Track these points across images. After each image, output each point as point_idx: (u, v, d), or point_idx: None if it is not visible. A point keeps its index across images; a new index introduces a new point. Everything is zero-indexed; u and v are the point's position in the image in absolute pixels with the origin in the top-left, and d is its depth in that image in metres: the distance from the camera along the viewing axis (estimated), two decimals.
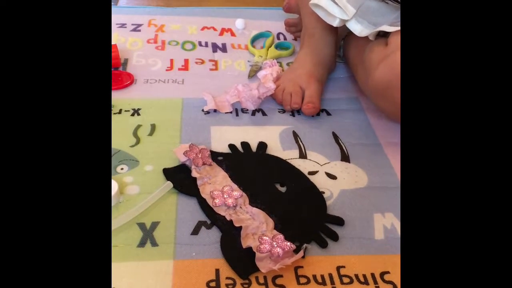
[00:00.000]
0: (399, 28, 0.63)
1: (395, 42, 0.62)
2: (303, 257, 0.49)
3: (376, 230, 0.53)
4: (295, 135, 0.68)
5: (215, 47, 0.91)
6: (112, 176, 0.57)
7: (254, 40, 0.93)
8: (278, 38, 0.96)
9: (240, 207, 0.54)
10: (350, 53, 0.79)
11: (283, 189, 0.58)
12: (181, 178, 0.58)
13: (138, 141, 0.64)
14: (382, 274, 0.48)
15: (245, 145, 0.64)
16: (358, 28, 0.69)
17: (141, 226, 0.52)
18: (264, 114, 0.72)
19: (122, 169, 0.59)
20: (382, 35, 0.67)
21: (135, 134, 0.66)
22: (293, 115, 0.72)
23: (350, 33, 0.73)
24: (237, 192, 0.54)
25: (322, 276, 0.48)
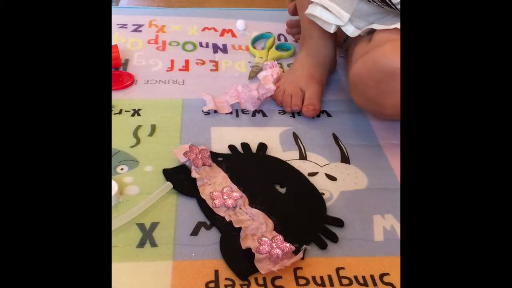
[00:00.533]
0: (387, 27, 0.64)
1: (376, 40, 0.64)
2: (302, 258, 0.49)
3: (375, 231, 0.53)
4: (295, 136, 0.68)
5: (215, 48, 0.91)
6: (112, 177, 0.57)
7: (254, 41, 0.93)
8: (279, 39, 0.96)
9: (240, 208, 0.54)
10: (349, 50, 0.80)
11: (282, 190, 0.58)
12: (181, 179, 0.58)
13: (138, 142, 0.64)
14: (381, 276, 0.48)
15: (245, 146, 0.64)
16: (350, 29, 0.70)
17: (141, 226, 0.52)
18: (264, 115, 0.72)
19: (122, 169, 0.59)
20: (373, 32, 0.68)
21: (135, 134, 0.66)
22: (293, 116, 0.72)
23: None
24: (237, 193, 0.54)
25: (322, 278, 0.48)
